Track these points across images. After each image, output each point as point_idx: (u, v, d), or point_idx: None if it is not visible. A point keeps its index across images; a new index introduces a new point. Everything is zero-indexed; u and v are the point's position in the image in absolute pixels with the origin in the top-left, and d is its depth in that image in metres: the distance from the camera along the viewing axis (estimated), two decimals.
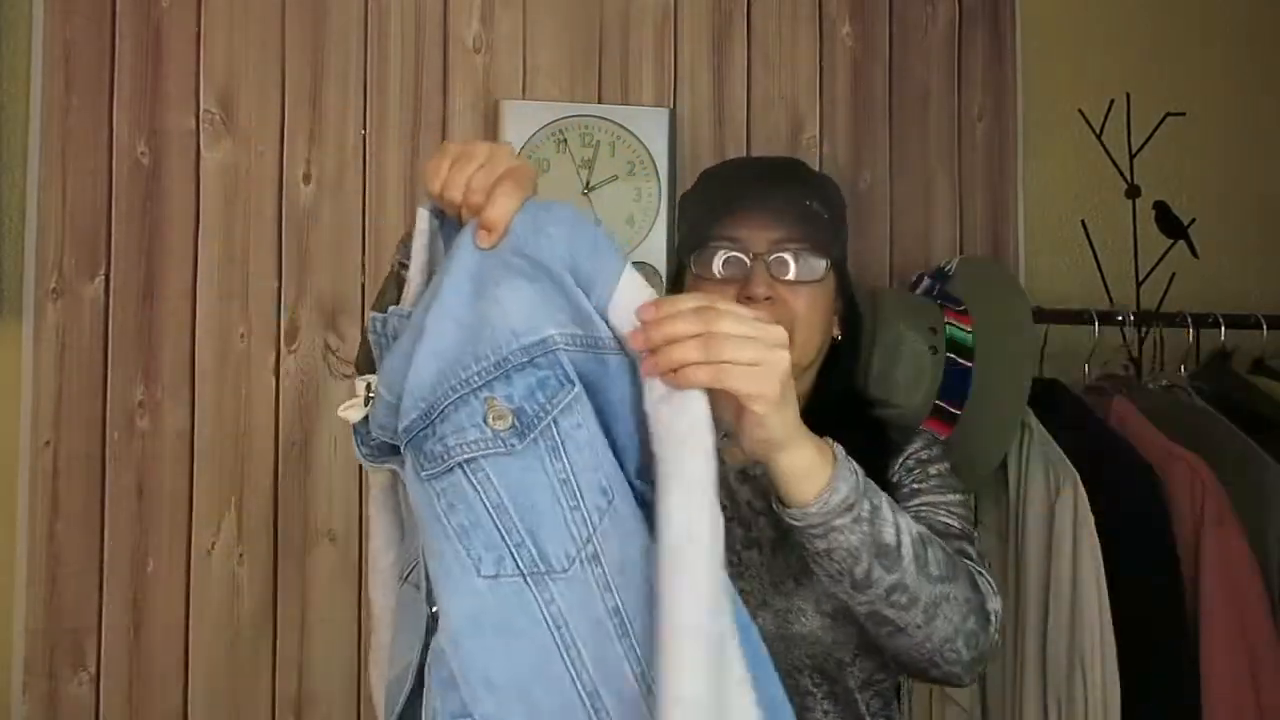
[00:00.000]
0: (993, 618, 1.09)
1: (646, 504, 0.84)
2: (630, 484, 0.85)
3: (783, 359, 0.86)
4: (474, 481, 0.83)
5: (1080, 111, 2.09)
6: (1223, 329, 1.84)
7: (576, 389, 0.84)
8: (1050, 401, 1.75)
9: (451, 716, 0.81)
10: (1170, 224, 2.06)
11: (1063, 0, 2.18)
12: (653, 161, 1.93)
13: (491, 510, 0.82)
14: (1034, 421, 1.70)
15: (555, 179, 1.91)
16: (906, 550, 1.01)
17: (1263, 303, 2.04)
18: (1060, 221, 2.15)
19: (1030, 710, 1.63)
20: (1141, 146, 2.08)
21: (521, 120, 1.90)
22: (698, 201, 1.33)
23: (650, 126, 1.94)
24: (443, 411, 0.84)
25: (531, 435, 0.83)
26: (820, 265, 1.24)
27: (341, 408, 0.92)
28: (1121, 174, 2.09)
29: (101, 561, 1.75)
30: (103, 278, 1.78)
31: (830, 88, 2.05)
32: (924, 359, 1.63)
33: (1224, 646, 1.57)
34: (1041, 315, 1.79)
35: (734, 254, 1.23)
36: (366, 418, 0.92)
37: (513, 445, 0.83)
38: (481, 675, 0.80)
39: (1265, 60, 2.27)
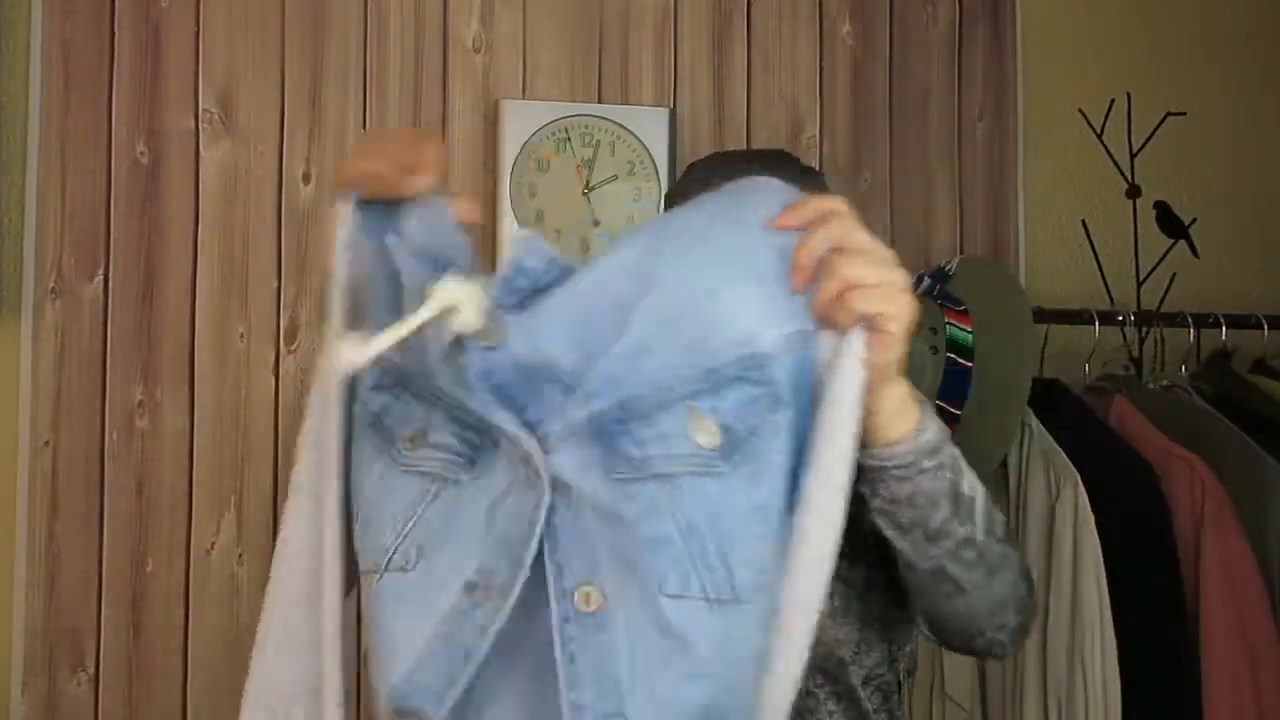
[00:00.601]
0: (1034, 586, 1.08)
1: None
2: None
3: (903, 276, 0.83)
4: (669, 496, 0.79)
5: (1080, 111, 2.09)
6: (1223, 329, 1.84)
7: (790, 412, 0.80)
8: (1050, 401, 1.75)
9: (604, 715, 0.78)
10: (1171, 224, 2.06)
11: (1063, 0, 2.18)
12: (653, 161, 1.93)
13: (684, 529, 0.79)
14: (1034, 421, 1.70)
15: (555, 179, 1.91)
16: (979, 504, 0.99)
17: (1263, 303, 2.04)
18: (1060, 221, 2.15)
19: (1030, 710, 1.63)
20: (1142, 146, 2.08)
21: (521, 120, 1.90)
22: (685, 193, 1.32)
23: (650, 126, 1.94)
24: (644, 411, 0.80)
25: (736, 457, 0.79)
26: None
27: (442, 302, 0.81)
28: (1122, 174, 2.09)
29: (101, 561, 1.75)
30: (102, 277, 1.78)
31: (830, 88, 2.05)
32: (924, 359, 1.63)
33: (1224, 646, 1.57)
34: (1041, 315, 1.79)
35: None
36: (443, 343, 0.82)
37: (716, 466, 0.79)
38: (649, 687, 0.78)
39: (1265, 60, 2.27)
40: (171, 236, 1.80)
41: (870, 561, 1.11)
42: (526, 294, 0.83)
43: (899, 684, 1.30)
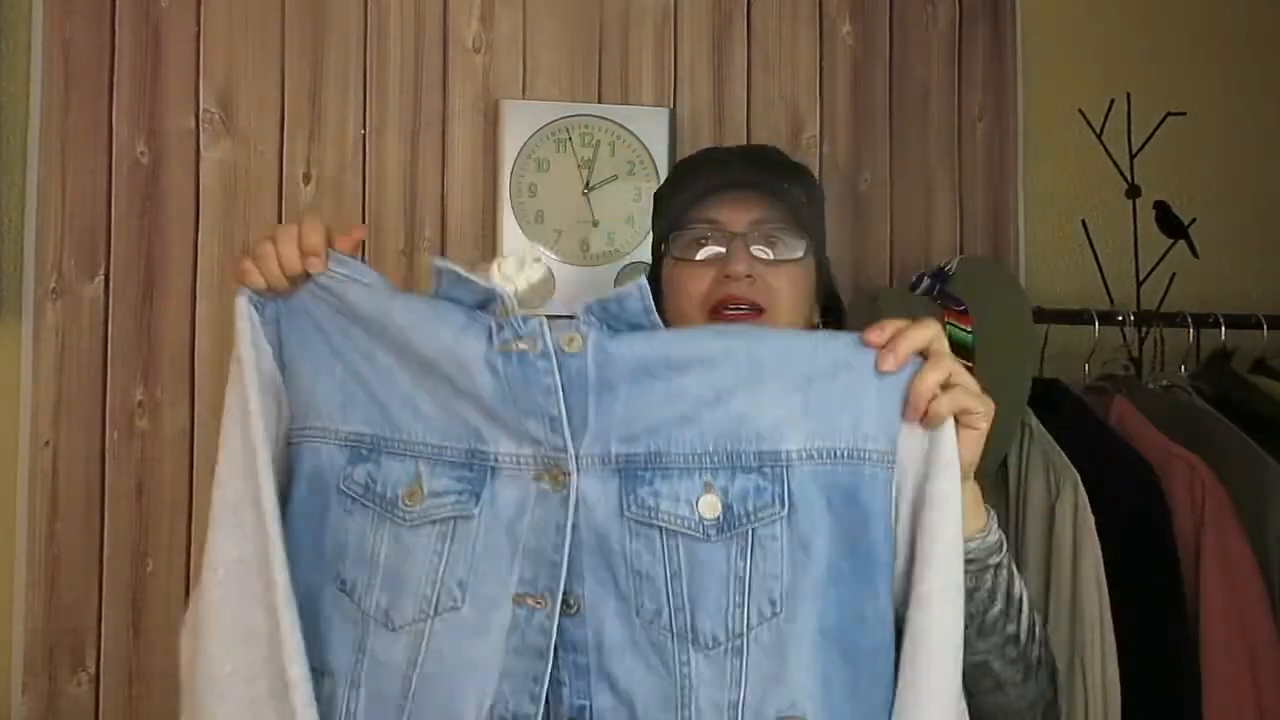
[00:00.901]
0: (1059, 687, 1.13)
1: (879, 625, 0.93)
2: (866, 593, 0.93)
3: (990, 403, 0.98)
4: (665, 545, 0.92)
5: (1080, 111, 2.09)
6: (1223, 329, 1.84)
7: (784, 511, 0.91)
8: (1050, 401, 1.75)
9: (575, 695, 0.92)
10: (1170, 224, 2.06)
11: (1063, 0, 2.18)
12: (653, 161, 1.93)
13: (668, 574, 0.92)
14: (1034, 421, 1.70)
15: (555, 179, 1.91)
16: (1025, 605, 1.04)
17: (1263, 303, 2.04)
18: (1060, 221, 2.15)
19: None
20: (1142, 146, 2.08)
21: (521, 120, 1.90)
22: (676, 188, 1.32)
23: (650, 126, 1.94)
24: (667, 469, 0.93)
25: (730, 533, 0.91)
26: (800, 245, 1.24)
27: (526, 265, 0.96)
28: (1122, 174, 2.09)
29: (101, 561, 1.75)
30: (102, 277, 1.78)
31: (830, 88, 2.05)
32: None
33: (1224, 646, 1.57)
34: (1041, 315, 1.79)
35: (714, 234, 1.23)
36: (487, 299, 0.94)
37: (709, 535, 0.91)
38: (611, 678, 0.92)
39: (1265, 60, 2.27)
40: (172, 236, 1.80)
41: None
42: (612, 322, 0.94)
43: None
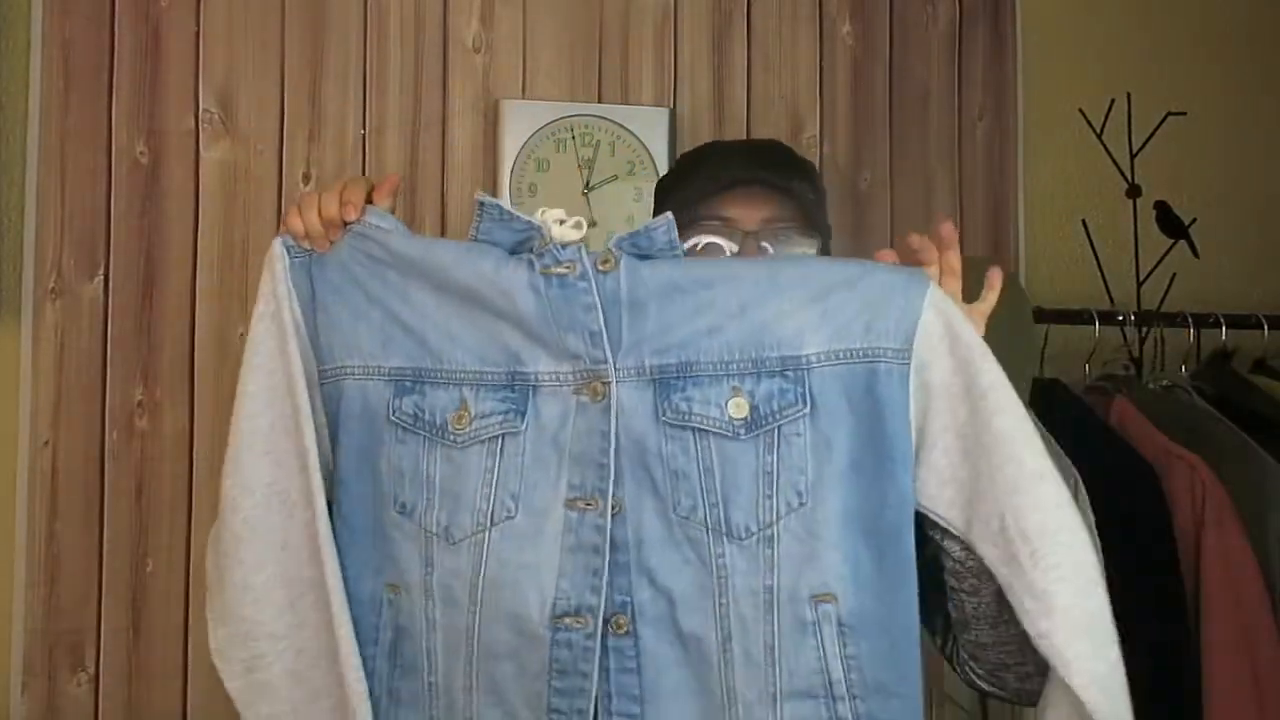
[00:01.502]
0: None
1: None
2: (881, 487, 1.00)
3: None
4: (698, 444, 1.00)
5: (1081, 111, 2.09)
6: (1223, 329, 1.84)
7: (806, 409, 0.99)
8: (1050, 401, 1.75)
9: (616, 592, 0.99)
10: (1171, 224, 2.06)
11: (1063, 0, 2.18)
12: (653, 161, 1.93)
13: (701, 471, 0.99)
14: (1034, 422, 1.70)
15: (555, 178, 1.91)
16: None
17: (1263, 303, 2.04)
18: (1060, 221, 2.15)
19: (1030, 710, 1.62)
20: (1142, 146, 2.08)
21: (521, 120, 1.90)
22: (682, 183, 1.32)
23: (650, 126, 1.94)
24: (697, 377, 1.00)
25: (757, 431, 0.99)
26: (811, 243, 1.24)
27: (563, 220, 1.02)
28: (1122, 174, 2.09)
29: (101, 561, 1.75)
30: (102, 277, 1.78)
31: (830, 88, 2.05)
32: None
33: (1224, 646, 1.57)
34: (1041, 315, 1.79)
35: (725, 232, 1.23)
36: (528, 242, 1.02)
37: (739, 433, 0.99)
38: (650, 574, 0.99)
39: (1265, 60, 2.27)
40: (171, 236, 1.80)
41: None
42: (640, 254, 1.02)
43: None
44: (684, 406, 1.00)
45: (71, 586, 1.74)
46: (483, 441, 1.02)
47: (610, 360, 1.01)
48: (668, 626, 0.99)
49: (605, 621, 0.99)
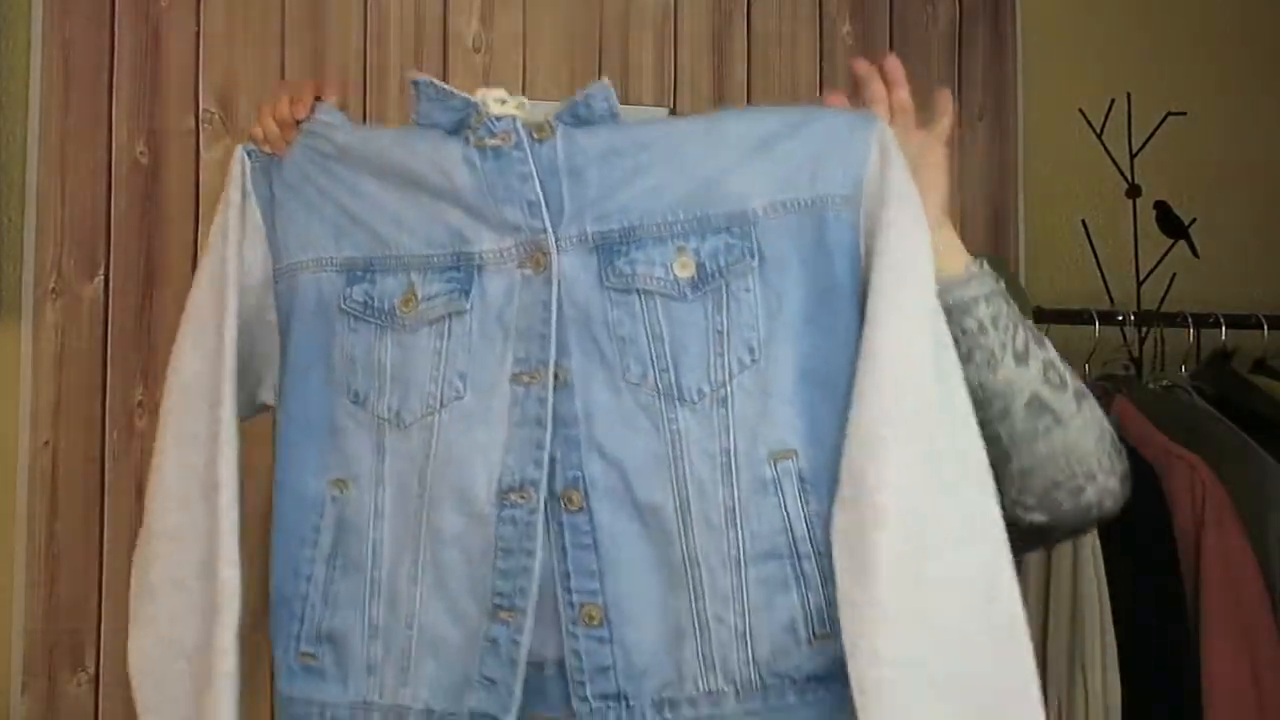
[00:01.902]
0: None
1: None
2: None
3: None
4: (644, 308, 0.98)
5: (1080, 111, 2.09)
6: (1223, 329, 1.84)
7: (754, 262, 0.98)
8: None
9: (568, 468, 0.98)
10: (1171, 224, 2.06)
11: (1063, 0, 2.18)
12: None
13: (650, 335, 0.98)
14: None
15: None
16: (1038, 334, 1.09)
17: (1263, 303, 2.04)
18: (1060, 221, 2.15)
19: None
20: (1142, 146, 2.08)
21: None
22: None
23: None
24: (641, 240, 0.99)
25: (704, 289, 0.97)
26: None
27: (497, 97, 1.02)
28: (1122, 174, 2.09)
29: (101, 561, 1.75)
30: (102, 278, 1.78)
31: (830, 88, 2.05)
32: None
33: (1224, 646, 1.57)
34: (1041, 315, 1.79)
35: None
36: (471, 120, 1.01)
37: (686, 293, 0.97)
38: (599, 446, 0.97)
39: (1265, 60, 2.27)
40: (171, 236, 1.80)
41: None
42: (580, 122, 1.01)
43: None
44: (627, 270, 0.98)
45: (72, 586, 1.74)
46: (430, 323, 1.02)
47: (549, 230, 0.99)
48: (623, 499, 0.97)
49: (556, 498, 0.97)
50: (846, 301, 0.97)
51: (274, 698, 1.10)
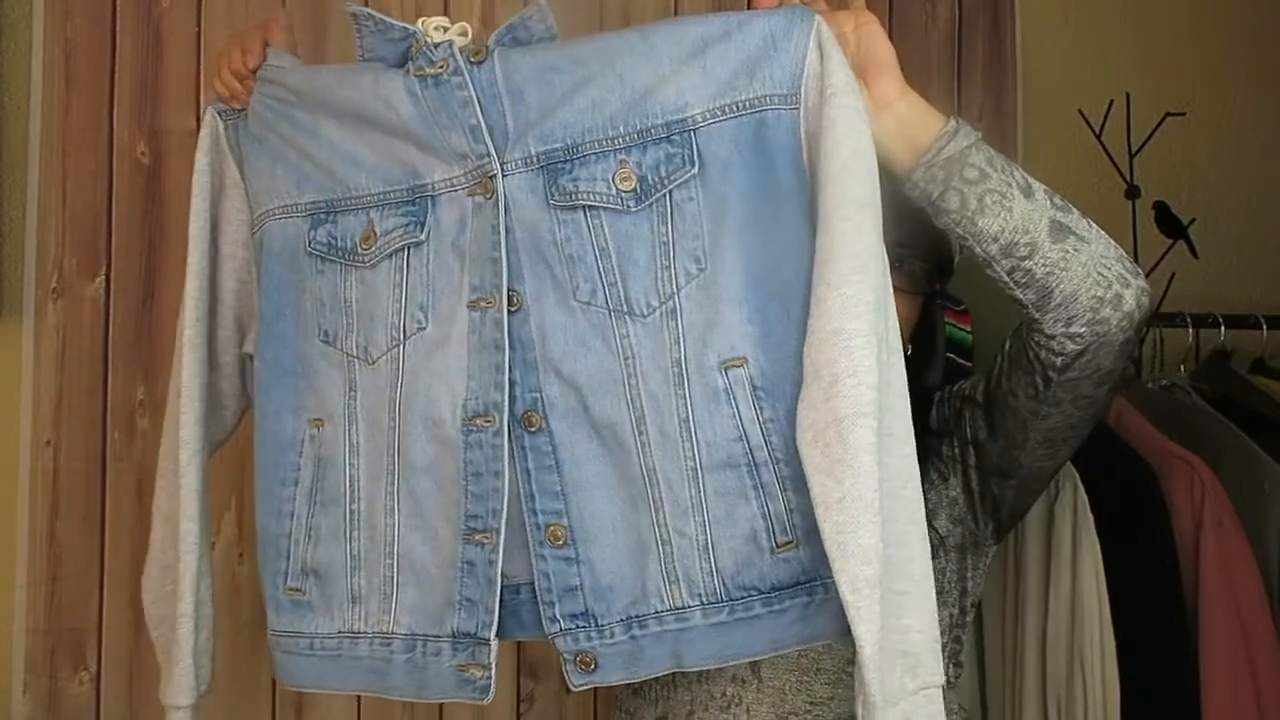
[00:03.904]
0: None
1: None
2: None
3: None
4: (590, 224, 0.98)
5: (1080, 111, 2.09)
6: (1223, 329, 1.84)
7: (694, 170, 0.96)
8: None
9: (527, 390, 0.99)
10: (1170, 224, 2.06)
11: (1063, 0, 2.18)
12: None
13: (597, 251, 0.98)
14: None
15: None
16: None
17: (1263, 303, 2.04)
18: None
19: (1030, 710, 1.63)
20: (1141, 146, 2.08)
21: None
22: None
23: None
24: (584, 156, 0.98)
25: (648, 201, 0.97)
26: None
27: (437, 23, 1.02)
28: (1121, 174, 2.09)
29: (102, 561, 1.76)
30: (103, 278, 1.78)
31: None
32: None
33: (1224, 646, 1.57)
34: None
35: None
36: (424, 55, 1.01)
37: (629, 206, 0.97)
38: (555, 366, 0.98)
39: (1265, 60, 2.27)
40: (172, 237, 1.80)
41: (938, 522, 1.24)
42: (519, 44, 1.02)
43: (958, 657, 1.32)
44: (570, 187, 0.98)
45: (73, 585, 1.74)
46: (388, 257, 1.04)
47: (493, 153, 1.00)
48: (580, 418, 0.98)
49: (517, 420, 0.99)
50: (792, 202, 0.97)
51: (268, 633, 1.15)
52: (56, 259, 1.77)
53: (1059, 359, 1.11)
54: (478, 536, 0.99)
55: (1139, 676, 1.57)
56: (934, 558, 1.11)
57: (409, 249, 1.03)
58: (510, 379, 0.99)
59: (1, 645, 1.73)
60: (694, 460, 0.95)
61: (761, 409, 0.95)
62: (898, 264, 1.20)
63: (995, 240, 1.04)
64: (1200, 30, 2.24)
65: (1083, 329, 1.08)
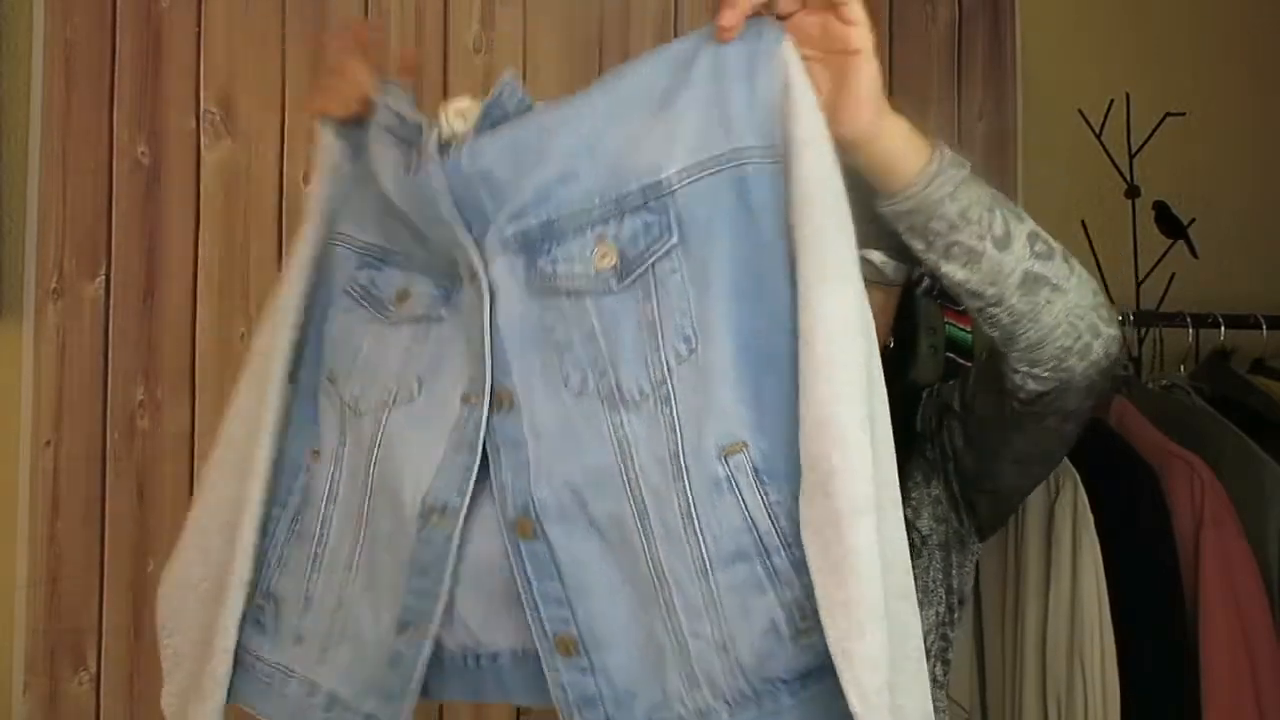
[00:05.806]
0: None
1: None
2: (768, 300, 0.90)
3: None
4: (574, 310, 0.91)
5: (1080, 111, 2.09)
6: (1222, 329, 1.84)
7: (674, 239, 0.89)
8: None
9: (518, 492, 0.92)
10: (1170, 224, 2.06)
11: (1062, 0, 2.18)
12: None
13: (583, 337, 0.91)
14: None
15: None
16: (1021, 212, 1.03)
17: (1263, 303, 2.04)
18: (1060, 221, 2.14)
19: (1030, 710, 1.63)
20: (1141, 146, 2.08)
21: None
22: None
23: None
24: (560, 234, 0.92)
25: (630, 278, 0.90)
26: None
27: (455, 108, 0.98)
28: (1121, 174, 2.09)
29: (102, 561, 1.76)
30: (103, 278, 1.78)
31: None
32: (924, 358, 1.63)
33: (1224, 646, 1.57)
34: None
35: None
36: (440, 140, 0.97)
37: (611, 286, 0.90)
38: (548, 468, 0.92)
39: (1265, 60, 2.27)
40: (172, 237, 1.81)
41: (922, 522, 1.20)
42: (495, 124, 0.97)
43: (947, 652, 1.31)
44: (549, 269, 0.92)
45: (73, 586, 1.74)
46: (410, 322, 1.01)
47: (471, 243, 0.94)
48: (578, 518, 0.92)
49: (511, 526, 0.92)
50: (778, 264, 0.89)
51: None
52: (56, 259, 1.77)
53: (1022, 393, 1.10)
54: (408, 632, 0.95)
55: (1139, 676, 1.57)
56: (918, 557, 1.10)
57: (430, 321, 1.00)
58: (502, 481, 0.93)
59: (1, 645, 1.73)
60: (701, 557, 0.88)
61: (767, 493, 0.88)
62: (867, 257, 1.16)
63: (960, 285, 1.02)
64: (1200, 30, 2.24)
65: (1046, 374, 1.06)
